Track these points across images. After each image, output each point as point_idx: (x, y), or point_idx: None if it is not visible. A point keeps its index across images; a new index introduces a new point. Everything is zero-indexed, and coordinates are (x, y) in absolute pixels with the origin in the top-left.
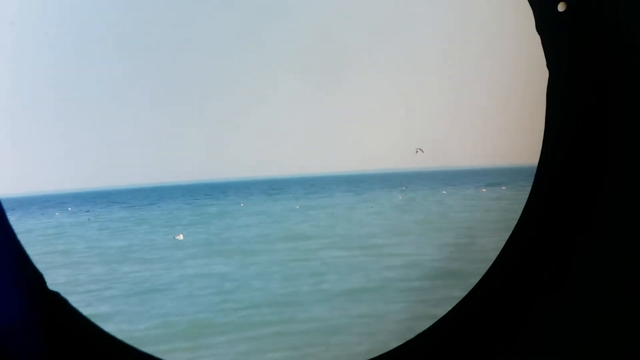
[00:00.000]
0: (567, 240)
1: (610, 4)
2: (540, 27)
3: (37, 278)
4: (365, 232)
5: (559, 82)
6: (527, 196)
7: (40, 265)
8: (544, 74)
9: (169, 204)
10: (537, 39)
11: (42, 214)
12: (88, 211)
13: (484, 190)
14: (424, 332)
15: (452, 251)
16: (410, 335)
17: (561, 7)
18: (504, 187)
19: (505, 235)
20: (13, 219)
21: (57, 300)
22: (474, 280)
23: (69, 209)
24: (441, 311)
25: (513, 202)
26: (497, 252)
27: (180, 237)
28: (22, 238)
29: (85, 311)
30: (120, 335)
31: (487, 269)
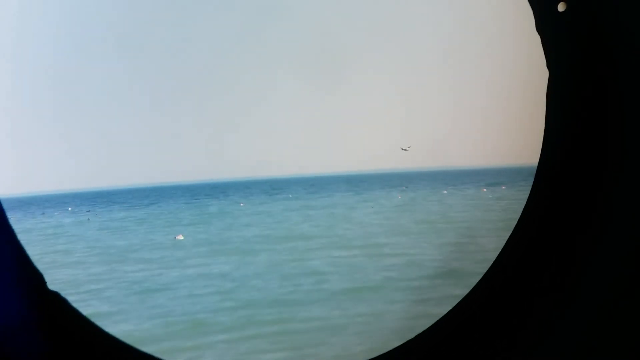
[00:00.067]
0: (567, 240)
1: (610, 4)
2: (540, 27)
3: (37, 278)
4: (365, 232)
5: (559, 82)
6: (527, 196)
7: (40, 265)
8: (544, 74)
9: (169, 204)
10: (537, 39)
11: (42, 213)
12: (89, 211)
13: (485, 190)
14: (424, 332)
15: (452, 251)
16: (410, 335)
17: (561, 7)
18: (503, 187)
19: (506, 235)
20: (13, 219)
21: (57, 300)
22: (474, 280)
23: (69, 208)
24: (441, 311)
25: (513, 202)
26: (497, 252)
27: (181, 237)
28: (22, 238)
29: (84, 310)
30: (120, 335)
31: (487, 269)
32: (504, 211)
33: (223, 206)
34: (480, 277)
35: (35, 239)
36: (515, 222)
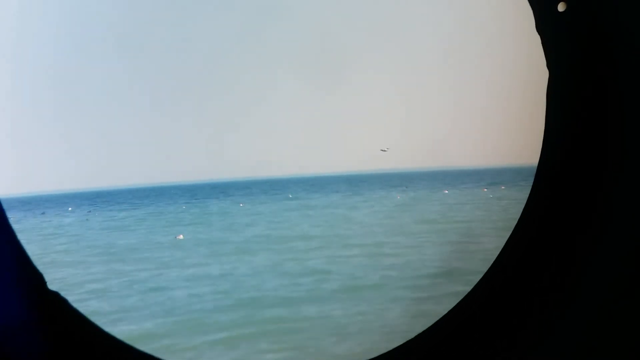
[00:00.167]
0: (567, 240)
1: (610, 4)
2: (540, 27)
3: (37, 278)
4: (365, 231)
5: (559, 82)
6: (527, 196)
7: (40, 265)
8: (544, 74)
9: (169, 204)
10: (537, 39)
11: (43, 213)
12: (90, 212)
13: (485, 190)
14: (424, 332)
15: (453, 250)
16: (411, 335)
17: (561, 7)
18: (503, 187)
19: (506, 235)
20: (13, 219)
21: (57, 300)
22: (474, 280)
23: (69, 208)
24: (442, 310)
25: (514, 202)
26: (497, 252)
27: (181, 237)
28: (22, 238)
29: (84, 310)
30: (119, 335)
31: (487, 269)
32: (505, 211)
33: (223, 206)
34: (480, 277)
35: (35, 239)
36: (515, 222)
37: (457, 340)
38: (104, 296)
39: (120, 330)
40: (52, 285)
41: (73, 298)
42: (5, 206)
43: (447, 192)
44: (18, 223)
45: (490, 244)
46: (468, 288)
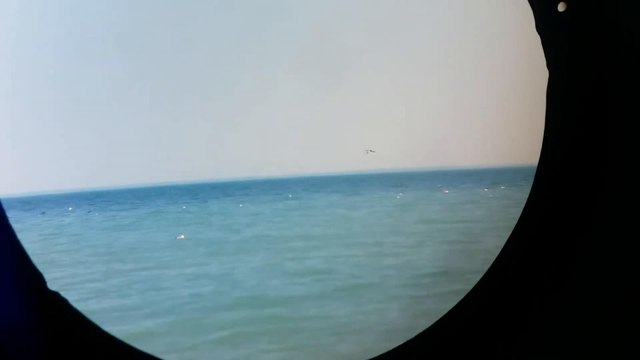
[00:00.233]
0: (567, 240)
1: (610, 4)
2: (540, 27)
3: (37, 278)
4: (366, 231)
5: (559, 82)
6: (527, 196)
7: (40, 265)
8: (544, 74)
9: (169, 204)
10: (537, 39)
11: (43, 213)
12: (90, 211)
13: (486, 190)
14: (424, 332)
15: (454, 250)
16: (411, 334)
17: (561, 7)
18: (502, 187)
19: (506, 235)
20: (13, 219)
21: (57, 300)
22: (475, 279)
23: (70, 208)
24: (442, 310)
25: (515, 202)
26: (498, 252)
27: (182, 237)
28: (22, 238)
29: (84, 309)
30: (119, 334)
31: (487, 269)
32: (505, 211)
33: (223, 206)
34: (480, 276)
35: (35, 239)
36: (516, 222)
37: (457, 340)
38: (104, 296)
39: (120, 330)
40: (52, 285)
41: (73, 298)
42: (5, 206)
43: (447, 192)
44: (18, 223)
45: (491, 244)
46: (468, 287)
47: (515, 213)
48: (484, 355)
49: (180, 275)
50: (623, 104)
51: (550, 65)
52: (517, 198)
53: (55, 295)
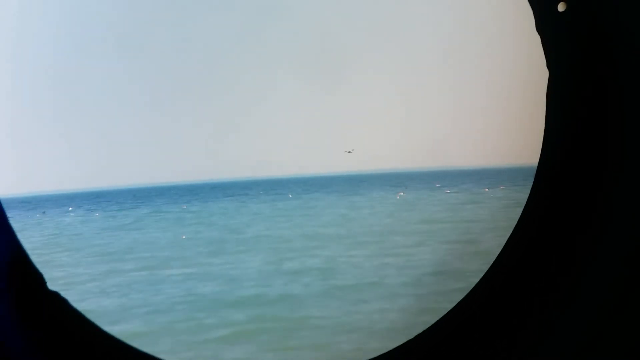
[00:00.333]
0: (567, 240)
1: (610, 4)
2: (540, 27)
3: (37, 278)
4: (366, 231)
5: (559, 82)
6: (527, 196)
7: (40, 265)
8: (544, 74)
9: (170, 204)
10: (537, 39)
11: (43, 212)
12: (90, 212)
13: (487, 190)
14: (424, 332)
15: (454, 250)
16: (411, 334)
17: (561, 7)
18: (502, 187)
19: (507, 235)
20: (13, 219)
21: (57, 300)
22: (475, 279)
23: (70, 208)
24: (442, 309)
25: (515, 202)
26: (498, 252)
27: (183, 237)
28: (22, 238)
29: (84, 308)
30: (119, 334)
31: (487, 269)
32: (506, 211)
33: (223, 206)
34: (480, 276)
35: (35, 239)
36: (516, 222)
37: (457, 340)
38: (103, 295)
39: (120, 329)
40: (51, 285)
41: (72, 297)
42: (5, 206)
43: (448, 191)
44: (18, 223)
45: (491, 244)
46: (468, 286)
47: (515, 213)
48: (484, 355)
49: (181, 275)
50: (623, 104)
51: (550, 65)
52: (517, 198)
53: (55, 295)
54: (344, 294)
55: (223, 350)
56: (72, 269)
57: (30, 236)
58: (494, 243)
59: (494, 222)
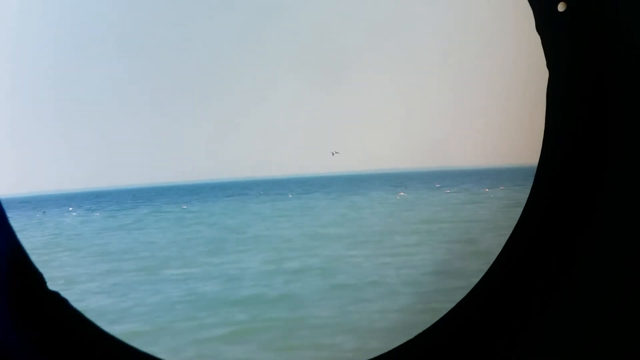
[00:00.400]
0: (567, 240)
1: (610, 4)
2: (540, 27)
3: (37, 278)
4: (367, 231)
5: (559, 82)
6: (527, 196)
7: (40, 265)
8: (544, 74)
9: (170, 204)
10: (537, 39)
11: (43, 212)
12: (90, 211)
13: (487, 190)
14: (424, 332)
15: (455, 250)
16: (411, 334)
17: (561, 7)
18: (502, 187)
19: (507, 235)
20: (13, 219)
21: (57, 300)
22: (475, 279)
23: (70, 208)
24: (443, 308)
25: (515, 202)
26: (498, 252)
27: (184, 236)
28: (22, 238)
29: (83, 307)
30: (117, 334)
31: (487, 269)
32: (506, 211)
33: (223, 206)
34: (480, 276)
35: (35, 239)
36: (516, 222)
37: (457, 340)
38: (103, 295)
39: (120, 329)
40: (51, 285)
41: (72, 297)
42: (5, 206)
43: (448, 191)
44: (18, 223)
45: (491, 244)
46: (468, 286)
47: (515, 213)
48: (484, 355)
49: (181, 275)
50: (623, 104)
51: (550, 65)
52: (517, 198)
53: (55, 295)
54: (344, 294)
55: (223, 349)
56: (72, 269)
57: (30, 236)
58: (494, 243)
59: (494, 222)
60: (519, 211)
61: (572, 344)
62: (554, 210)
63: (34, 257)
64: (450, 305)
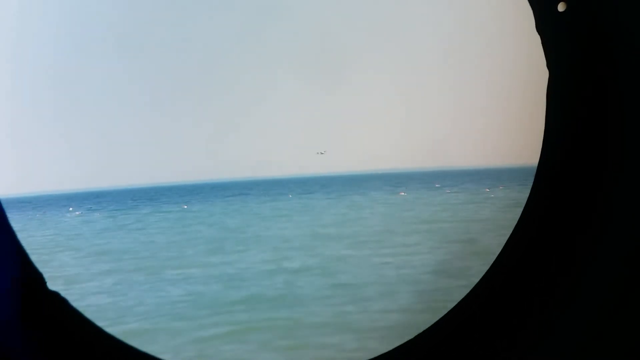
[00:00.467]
0: (567, 240)
1: (610, 4)
2: (540, 27)
3: (37, 278)
4: (367, 230)
5: (559, 82)
6: (527, 196)
7: (39, 265)
8: (544, 74)
9: (169, 204)
10: (537, 39)
11: (43, 213)
12: (90, 208)
13: (487, 190)
14: (424, 332)
15: (455, 250)
16: (411, 334)
17: (561, 7)
18: (501, 187)
19: (507, 235)
20: (13, 219)
21: (57, 300)
22: (475, 279)
23: (70, 208)
24: (442, 309)
25: (515, 202)
26: (498, 252)
27: (184, 236)
28: (22, 238)
29: (83, 306)
30: (118, 332)
31: (487, 269)
32: (506, 210)
33: (223, 206)
34: (480, 276)
35: (35, 239)
36: (516, 222)
37: (457, 340)
38: (103, 295)
39: (120, 329)
40: (51, 285)
41: (72, 297)
42: (5, 206)
43: (448, 191)
44: (18, 223)
45: (491, 244)
46: (468, 286)
47: (515, 213)
48: (484, 355)
49: (181, 274)
50: (623, 104)
51: (550, 65)
52: (517, 198)
53: (55, 295)
54: (344, 294)
55: (223, 349)
56: (72, 269)
57: (30, 236)
58: (494, 243)
59: (494, 222)
60: (519, 211)
61: (572, 344)
62: (554, 210)
63: (34, 257)
64: (450, 305)
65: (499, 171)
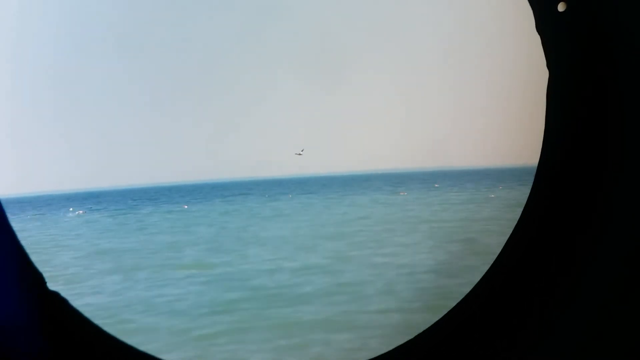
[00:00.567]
0: (567, 240)
1: (610, 4)
2: (540, 27)
3: (37, 278)
4: (368, 230)
5: (559, 82)
6: (527, 196)
7: (39, 265)
8: (544, 74)
9: (169, 204)
10: (537, 39)
11: (43, 213)
12: (90, 208)
13: (487, 190)
14: (424, 332)
15: (455, 249)
16: (411, 334)
17: (561, 7)
18: (500, 187)
19: (507, 235)
20: (13, 219)
21: (57, 300)
22: (475, 279)
23: (70, 209)
24: (442, 308)
25: (515, 202)
26: (498, 252)
27: (184, 236)
28: (22, 238)
29: (84, 304)
30: (118, 331)
31: (487, 269)
32: (505, 211)
33: (224, 206)
34: (481, 276)
35: (35, 239)
36: (516, 222)
37: (457, 340)
38: (103, 295)
39: (119, 328)
40: (51, 285)
41: (72, 296)
42: (5, 206)
43: (448, 191)
44: (18, 223)
45: (491, 244)
46: (468, 286)
47: (515, 213)
48: (484, 355)
49: (180, 274)
50: (623, 104)
51: (550, 65)
52: (517, 198)
53: (55, 295)
54: (344, 293)
55: (222, 348)
56: (72, 269)
57: (31, 236)
58: (494, 243)
59: (494, 222)
60: (519, 211)
61: (572, 344)
62: (554, 210)
63: (34, 257)
64: (450, 305)
65: (499, 171)
